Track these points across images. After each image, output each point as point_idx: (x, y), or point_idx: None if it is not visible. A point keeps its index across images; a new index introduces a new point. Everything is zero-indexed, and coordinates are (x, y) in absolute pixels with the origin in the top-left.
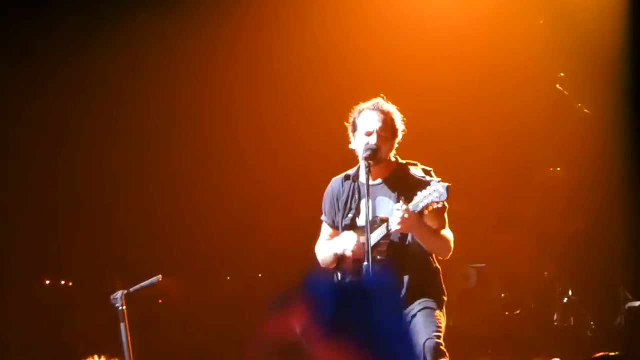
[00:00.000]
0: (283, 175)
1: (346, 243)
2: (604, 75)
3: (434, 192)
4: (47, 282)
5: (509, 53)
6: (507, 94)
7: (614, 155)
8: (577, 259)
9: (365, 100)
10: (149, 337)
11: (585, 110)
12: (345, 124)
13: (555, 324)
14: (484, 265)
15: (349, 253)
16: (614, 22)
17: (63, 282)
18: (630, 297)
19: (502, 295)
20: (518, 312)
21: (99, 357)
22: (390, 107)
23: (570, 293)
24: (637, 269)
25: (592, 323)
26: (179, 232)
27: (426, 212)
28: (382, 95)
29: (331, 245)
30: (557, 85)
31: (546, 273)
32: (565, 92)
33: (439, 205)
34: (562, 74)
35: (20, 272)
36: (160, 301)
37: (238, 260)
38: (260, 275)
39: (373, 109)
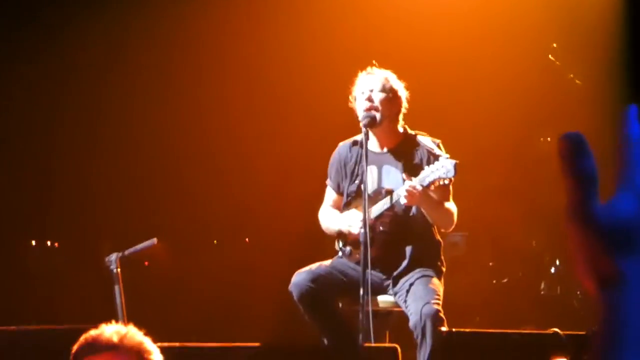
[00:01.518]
0: (277, 139)
1: (351, 224)
2: (596, 46)
3: (442, 168)
4: (33, 242)
5: (501, 23)
6: (498, 65)
7: (605, 126)
8: (566, 229)
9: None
10: (136, 299)
11: (577, 81)
12: (349, 100)
13: (542, 293)
14: (467, 233)
15: (353, 232)
16: None
17: (49, 243)
18: None
19: (490, 263)
20: (505, 280)
21: (109, 323)
22: (384, 71)
23: (558, 263)
24: None
25: (578, 293)
26: (167, 195)
27: (432, 187)
28: (374, 61)
29: (336, 221)
30: (549, 56)
31: (534, 242)
32: (557, 63)
33: (446, 182)
34: (555, 45)
35: (5, 233)
36: (147, 263)
37: (225, 224)
38: (247, 239)
39: (366, 74)
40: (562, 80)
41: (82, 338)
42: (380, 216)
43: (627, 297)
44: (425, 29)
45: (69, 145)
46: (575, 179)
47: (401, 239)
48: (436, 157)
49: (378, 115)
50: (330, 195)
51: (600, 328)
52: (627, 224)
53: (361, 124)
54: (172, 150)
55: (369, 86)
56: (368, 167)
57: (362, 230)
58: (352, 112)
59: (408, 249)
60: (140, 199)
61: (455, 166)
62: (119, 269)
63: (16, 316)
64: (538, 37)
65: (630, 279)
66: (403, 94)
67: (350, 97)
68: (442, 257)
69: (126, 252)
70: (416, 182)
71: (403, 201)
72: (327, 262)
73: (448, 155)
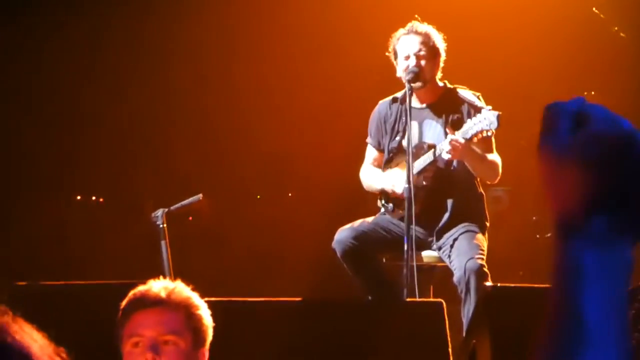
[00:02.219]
0: (322, 97)
1: (395, 183)
2: None
3: (484, 120)
4: (78, 197)
5: None
6: (542, 16)
7: None
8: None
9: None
10: (181, 254)
11: (622, 34)
12: (387, 54)
13: None
14: (510, 188)
15: (398, 191)
16: None
17: (94, 198)
18: None
19: (534, 218)
20: (549, 235)
21: (157, 279)
22: (426, 27)
23: None
24: None
25: None
26: (210, 151)
27: (475, 139)
28: (416, 16)
29: (379, 180)
30: (594, 8)
31: None
32: (602, 15)
33: (489, 134)
34: None
35: (50, 188)
36: (190, 218)
37: (268, 179)
38: (290, 194)
39: (408, 33)
40: (606, 33)
41: (131, 294)
42: (422, 171)
43: (585, 292)
44: None
45: (116, 102)
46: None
47: (444, 193)
48: (478, 110)
49: (422, 74)
50: (371, 153)
51: (553, 320)
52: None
53: (404, 80)
54: (215, 106)
55: (411, 47)
56: (408, 128)
57: (406, 186)
58: (393, 70)
59: (450, 203)
60: (184, 154)
61: (498, 117)
62: (165, 225)
63: (62, 271)
64: None
65: (589, 271)
66: (442, 47)
67: (389, 51)
68: (486, 212)
69: (172, 208)
70: (459, 136)
71: (446, 156)
72: (370, 219)
73: (490, 107)
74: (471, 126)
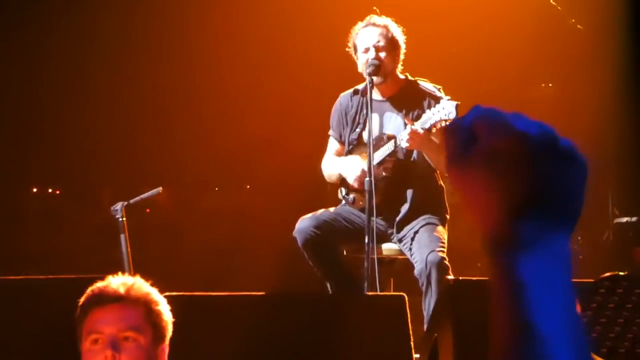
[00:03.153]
0: (281, 89)
1: (350, 171)
2: None
3: (443, 110)
4: (34, 190)
5: None
6: (499, 9)
7: (607, 71)
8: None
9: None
10: (139, 247)
11: (578, 26)
12: (347, 49)
13: None
14: None
15: (351, 180)
16: None
17: (50, 190)
18: (617, 212)
19: None
20: None
21: (115, 275)
22: (385, 20)
23: None
24: (625, 185)
25: (579, 238)
26: (167, 142)
27: (434, 129)
28: (375, 8)
29: (337, 165)
30: (551, 0)
31: None
32: (558, 7)
33: (447, 123)
34: None
35: (6, 180)
36: (148, 210)
37: (227, 171)
38: (248, 186)
39: (367, 25)
40: (563, 25)
41: (89, 290)
42: (382, 162)
43: (525, 266)
44: None
45: (71, 93)
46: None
47: (403, 184)
48: (437, 100)
49: (382, 67)
50: (332, 145)
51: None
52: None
53: (365, 73)
54: (173, 99)
55: (370, 39)
56: (369, 120)
57: (367, 179)
58: (354, 63)
59: (410, 194)
60: (142, 147)
61: (457, 107)
62: (124, 218)
63: (18, 265)
64: None
65: (532, 280)
66: (402, 39)
67: (349, 46)
68: (446, 204)
69: (131, 201)
70: (418, 126)
71: (405, 145)
72: (332, 209)
73: (449, 97)
74: (430, 116)
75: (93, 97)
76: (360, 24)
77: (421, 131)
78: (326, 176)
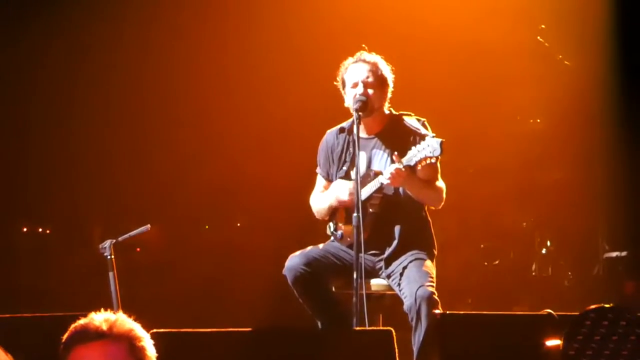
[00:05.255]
0: (270, 127)
1: (339, 191)
2: (585, 27)
3: (428, 147)
4: (24, 229)
5: (490, 4)
6: (488, 45)
7: (594, 106)
8: (556, 209)
9: (353, 50)
10: (129, 285)
11: (566, 62)
12: (335, 83)
13: (534, 274)
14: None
15: (341, 199)
16: None
17: (40, 229)
18: (607, 247)
19: (482, 245)
20: (497, 262)
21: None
22: (374, 57)
23: (549, 243)
24: (614, 219)
25: (569, 273)
26: (157, 181)
27: (419, 166)
28: (363, 45)
29: (325, 197)
30: (538, 37)
31: (525, 223)
32: (546, 44)
33: (432, 160)
34: (543, 26)
35: None
36: (138, 249)
37: (217, 209)
38: (239, 224)
39: (356, 61)
40: (551, 61)
41: (72, 327)
42: (369, 198)
43: None
44: (413, 10)
45: (60, 133)
46: None
47: (391, 219)
48: (422, 137)
49: (370, 103)
50: (320, 182)
51: None
52: None
53: (352, 109)
54: (162, 137)
55: (359, 75)
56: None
57: (355, 214)
58: (340, 100)
59: (397, 230)
60: (131, 185)
61: (441, 144)
62: (113, 256)
63: (8, 304)
64: (527, 18)
65: None
66: (391, 78)
67: (337, 80)
68: (434, 237)
69: (120, 239)
70: (403, 163)
71: (386, 182)
72: (320, 246)
73: (434, 135)
74: (415, 153)
75: (81, 136)
76: (350, 60)
77: (403, 169)
78: (315, 211)
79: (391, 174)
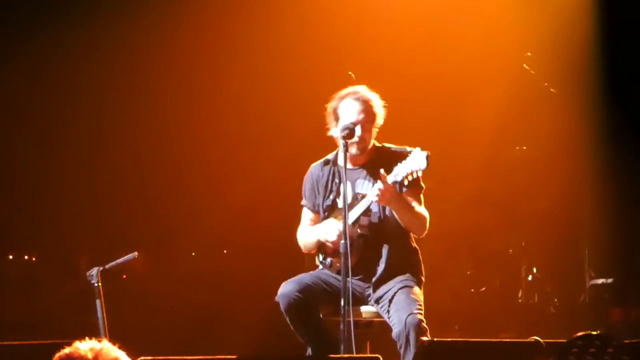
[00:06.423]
0: (256, 153)
1: (328, 231)
2: (571, 54)
3: (413, 161)
4: (10, 257)
5: (477, 33)
6: (473, 74)
7: (580, 133)
8: (542, 237)
9: (338, 81)
10: (116, 312)
11: (552, 90)
12: (326, 107)
13: (520, 301)
14: None
15: (329, 242)
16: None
17: (26, 257)
18: (593, 274)
19: (468, 272)
20: (483, 289)
21: (83, 340)
22: (372, 95)
23: (535, 271)
24: (600, 247)
25: (555, 300)
26: (143, 208)
27: (406, 181)
28: (350, 73)
29: (314, 232)
30: (524, 65)
31: (511, 251)
32: (532, 72)
33: (419, 174)
34: (529, 53)
35: None
36: (125, 277)
37: (203, 236)
38: (225, 251)
39: (355, 99)
40: (536, 88)
41: (56, 356)
42: (357, 220)
43: None
44: (400, 39)
45: (46, 160)
46: None
47: (379, 242)
48: (408, 153)
49: (363, 143)
50: (306, 214)
51: None
52: None
53: (339, 137)
54: (150, 165)
55: (356, 116)
56: (343, 183)
57: (342, 241)
58: (324, 130)
59: (385, 252)
60: (118, 212)
61: (427, 158)
62: (100, 283)
63: None
64: (513, 47)
65: None
66: (382, 115)
67: (328, 107)
68: (422, 265)
69: (107, 266)
70: (390, 179)
71: (374, 198)
72: (312, 273)
73: (419, 148)
74: (401, 168)
75: (68, 163)
76: (346, 92)
77: (391, 187)
78: (302, 245)
79: (379, 189)
